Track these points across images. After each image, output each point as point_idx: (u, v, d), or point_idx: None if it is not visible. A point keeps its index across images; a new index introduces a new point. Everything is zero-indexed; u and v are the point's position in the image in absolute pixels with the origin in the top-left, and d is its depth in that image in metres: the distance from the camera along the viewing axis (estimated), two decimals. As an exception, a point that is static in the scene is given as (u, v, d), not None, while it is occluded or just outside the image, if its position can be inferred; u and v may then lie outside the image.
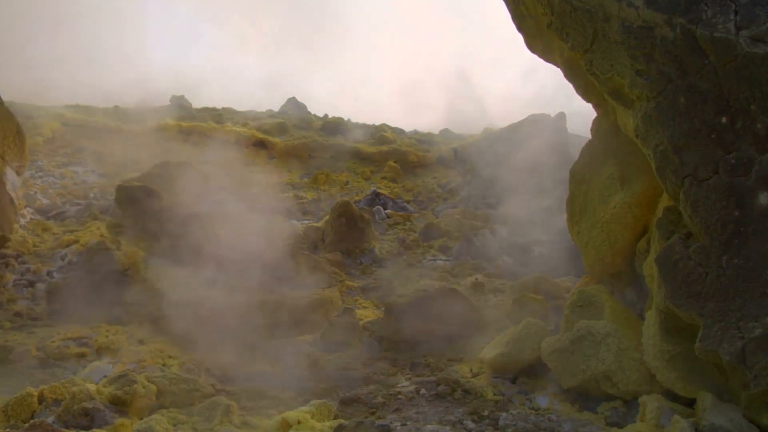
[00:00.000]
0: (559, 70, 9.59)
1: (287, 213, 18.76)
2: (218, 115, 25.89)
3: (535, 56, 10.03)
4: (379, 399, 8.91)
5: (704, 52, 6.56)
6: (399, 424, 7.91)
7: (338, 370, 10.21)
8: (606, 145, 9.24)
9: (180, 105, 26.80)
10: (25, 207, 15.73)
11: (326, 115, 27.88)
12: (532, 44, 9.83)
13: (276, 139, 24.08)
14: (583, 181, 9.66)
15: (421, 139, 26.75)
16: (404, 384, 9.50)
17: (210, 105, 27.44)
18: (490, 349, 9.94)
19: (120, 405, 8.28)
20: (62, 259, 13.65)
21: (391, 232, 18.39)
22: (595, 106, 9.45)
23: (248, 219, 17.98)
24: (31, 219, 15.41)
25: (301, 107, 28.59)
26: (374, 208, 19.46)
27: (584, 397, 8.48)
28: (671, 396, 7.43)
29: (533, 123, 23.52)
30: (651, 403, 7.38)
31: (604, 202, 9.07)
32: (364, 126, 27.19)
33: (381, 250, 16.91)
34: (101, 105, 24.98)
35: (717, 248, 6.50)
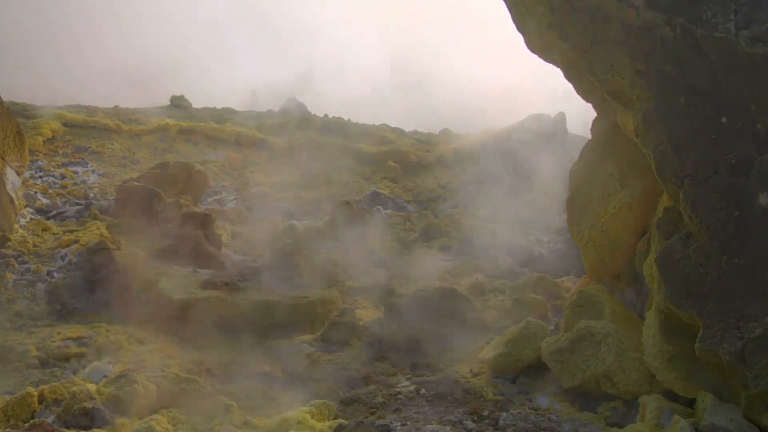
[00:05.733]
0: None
1: (287, 213, 18.75)
2: (218, 115, 25.88)
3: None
4: (379, 399, 8.90)
5: (704, 52, 6.56)
6: (399, 424, 7.91)
7: (338, 370, 10.21)
8: (606, 145, 9.25)
9: (180, 105, 26.76)
10: (25, 207, 15.72)
11: (326, 115, 27.85)
12: (532, 44, 9.83)
13: (276, 139, 24.08)
14: (583, 181, 9.66)
15: (421, 139, 26.72)
16: (404, 384, 9.49)
17: (210, 105, 27.42)
18: (490, 349, 9.94)
19: (120, 405, 8.28)
20: (62, 259, 13.64)
21: (391, 232, 18.37)
22: (595, 106, 9.46)
23: (248, 219, 18.02)
24: (31, 219, 15.40)
25: (301, 107, 28.50)
26: (374, 208, 19.44)
27: (584, 397, 8.48)
28: (671, 396, 7.44)
29: (533, 123, 23.53)
30: (651, 403, 7.39)
31: (604, 202, 9.07)
32: (364, 126, 27.16)
33: (381, 250, 16.90)
34: (101, 105, 24.93)
35: (717, 248, 6.50)
